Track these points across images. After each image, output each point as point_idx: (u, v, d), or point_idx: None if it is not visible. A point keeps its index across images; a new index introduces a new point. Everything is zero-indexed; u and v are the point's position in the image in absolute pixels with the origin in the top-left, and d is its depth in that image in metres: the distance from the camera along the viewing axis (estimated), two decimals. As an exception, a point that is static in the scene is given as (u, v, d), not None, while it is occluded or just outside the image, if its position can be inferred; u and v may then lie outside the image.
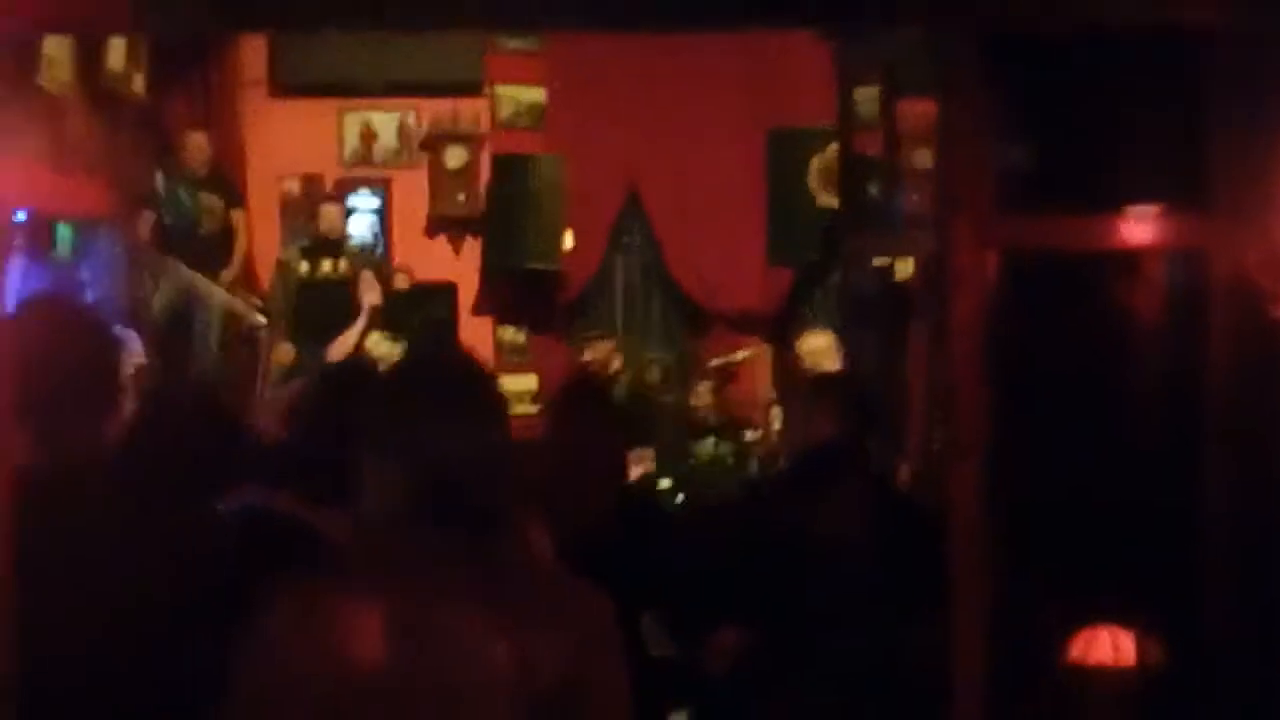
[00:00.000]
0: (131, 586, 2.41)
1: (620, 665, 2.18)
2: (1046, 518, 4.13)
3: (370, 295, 8.03)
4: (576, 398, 4.58)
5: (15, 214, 6.03)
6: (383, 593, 2.09)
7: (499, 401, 2.23)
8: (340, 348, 7.81)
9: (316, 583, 2.14)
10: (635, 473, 6.15)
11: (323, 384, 3.44)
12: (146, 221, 8.15)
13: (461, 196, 9.36)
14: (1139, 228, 3.92)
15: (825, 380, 5.25)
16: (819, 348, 6.28)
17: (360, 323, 7.95)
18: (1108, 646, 3.90)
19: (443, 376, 2.24)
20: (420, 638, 2.06)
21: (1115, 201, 3.97)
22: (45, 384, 2.48)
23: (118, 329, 3.52)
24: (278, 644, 2.07)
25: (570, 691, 2.09)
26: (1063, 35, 3.77)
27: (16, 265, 6.58)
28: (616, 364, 8.40)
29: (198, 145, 8.42)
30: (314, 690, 2.04)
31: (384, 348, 8.00)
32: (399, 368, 2.63)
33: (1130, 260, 4.09)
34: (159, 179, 8.24)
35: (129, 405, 3.03)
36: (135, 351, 6.52)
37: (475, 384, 2.23)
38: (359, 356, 7.38)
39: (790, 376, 6.06)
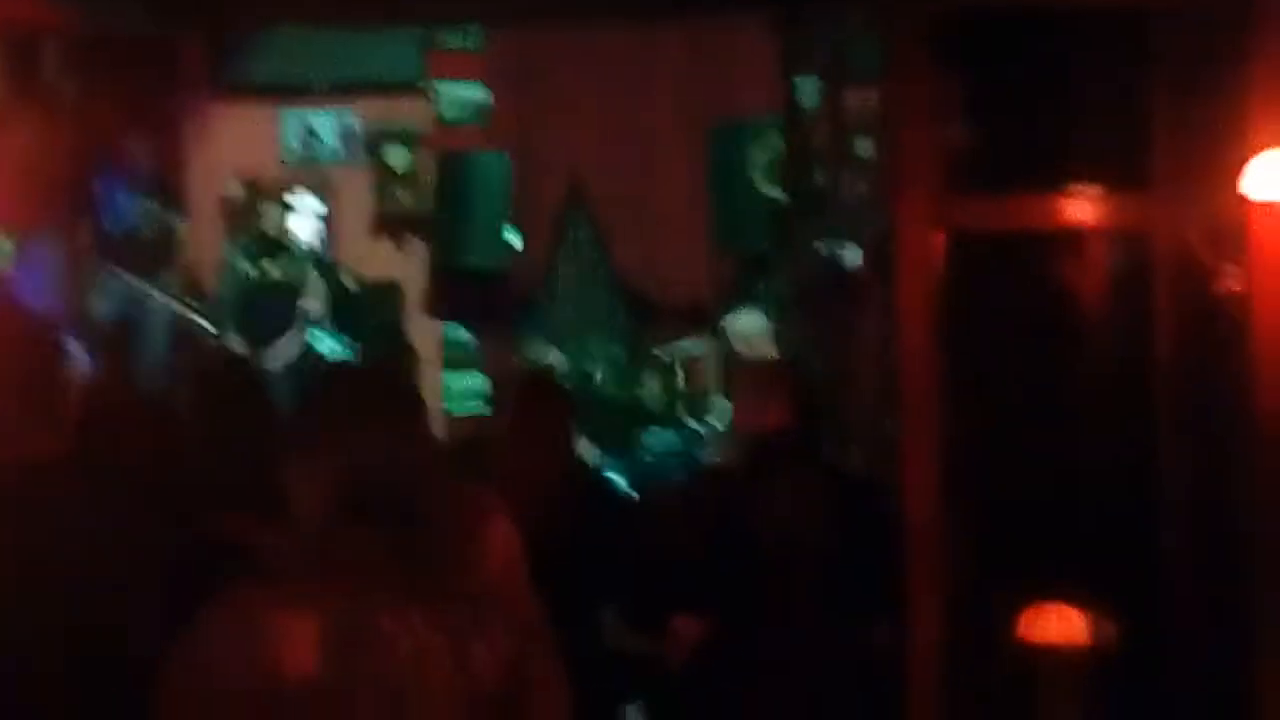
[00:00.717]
0: (73, 591, 2.38)
1: (558, 665, 2.19)
2: (998, 498, 4.15)
3: (309, 302, 7.98)
4: (531, 393, 4.58)
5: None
6: (317, 599, 2.06)
7: (418, 402, 2.25)
8: (279, 354, 7.77)
9: (249, 592, 2.11)
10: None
11: (198, 388, 3.40)
12: (86, 229, 8.07)
13: (405, 195, 9.32)
14: (1083, 207, 3.95)
15: (768, 367, 5.26)
16: (747, 328, 6.28)
17: (296, 330, 7.91)
18: (1057, 624, 3.92)
19: (361, 380, 2.28)
20: (357, 643, 2.04)
21: (1059, 182, 4.00)
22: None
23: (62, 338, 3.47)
24: (210, 656, 2.04)
25: (511, 693, 2.09)
26: (1007, 17, 3.79)
27: (-44, 276, 6.50)
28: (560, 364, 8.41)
29: (136, 150, 8.34)
30: (249, 702, 2.01)
31: (328, 344, 7.97)
32: (318, 374, 2.64)
33: (1075, 240, 4.11)
34: (97, 185, 8.15)
35: (73, 413, 3.00)
36: (79, 360, 6.46)
37: (394, 386, 2.25)
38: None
39: (735, 366, 6.05)
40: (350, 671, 2.03)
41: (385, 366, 2.37)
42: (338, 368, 2.69)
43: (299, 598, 2.07)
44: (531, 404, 4.43)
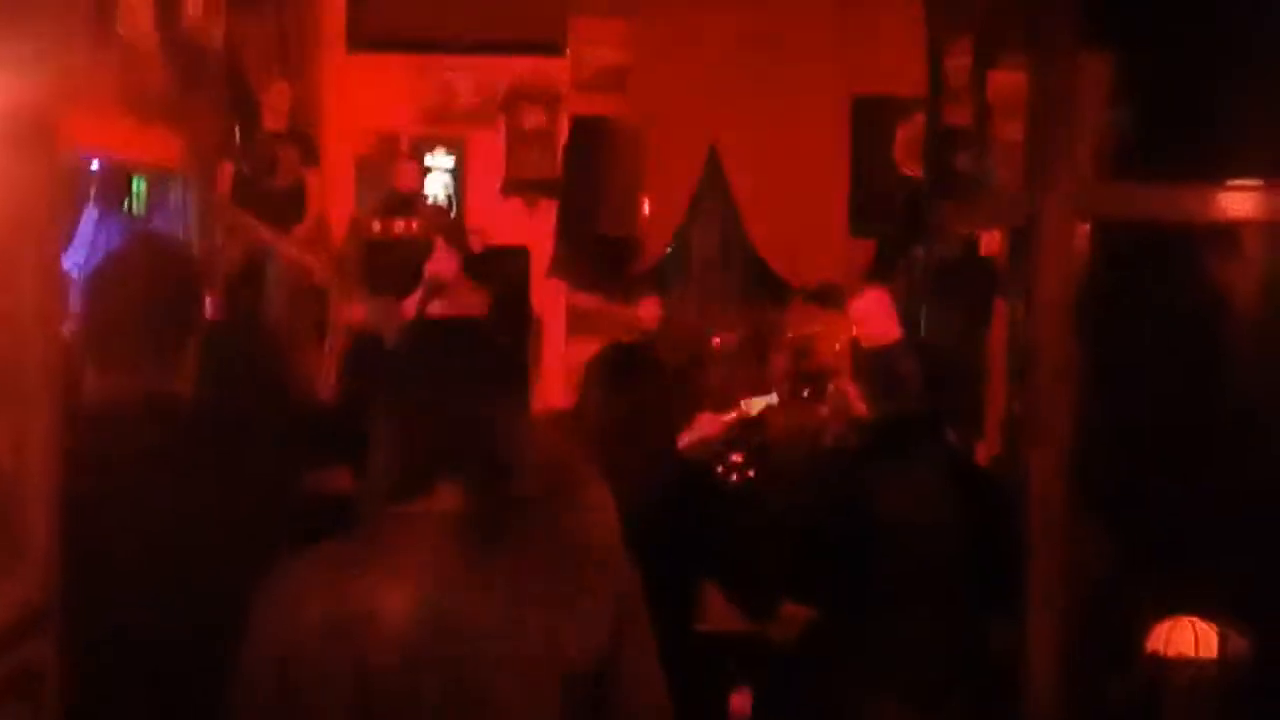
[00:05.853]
0: (182, 530, 2.35)
1: (650, 637, 2.09)
2: (1130, 501, 4.00)
3: (438, 261, 7.94)
4: (612, 365, 4.47)
5: (90, 163, 6.03)
6: (400, 559, 2.00)
7: (512, 360, 2.19)
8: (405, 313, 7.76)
9: (335, 549, 2.04)
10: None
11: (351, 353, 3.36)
12: (224, 174, 8.14)
13: (538, 158, 9.30)
14: (1238, 201, 3.76)
15: (897, 351, 5.13)
16: (866, 308, 6.11)
17: (419, 292, 7.89)
18: (1189, 637, 3.77)
19: (452, 335, 2.19)
20: (443, 611, 1.97)
21: (1214, 173, 3.82)
22: (121, 322, 2.43)
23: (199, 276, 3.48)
24: (293, 611, 1.97)
25: (602, 667, 2.01)
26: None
27: (89, 216, 6.59)
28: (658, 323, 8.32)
29: (279, 96, 8.38)
30: (327, 660, 1.95)
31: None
32: (405, 333, 2.56)
33: (1228, 235, 3.93)
34: (237, 131, 8.22)
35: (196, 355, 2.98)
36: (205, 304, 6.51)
37: (487, 343, 2.18)
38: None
39: (858, 347, 5.93)
40: (431, 640, 1.96)
41: (477, 323, 2.29)
42: (427, 323, 2.62)
43: (383, 559, 2.00)
44: (622, 378, 4.33)
